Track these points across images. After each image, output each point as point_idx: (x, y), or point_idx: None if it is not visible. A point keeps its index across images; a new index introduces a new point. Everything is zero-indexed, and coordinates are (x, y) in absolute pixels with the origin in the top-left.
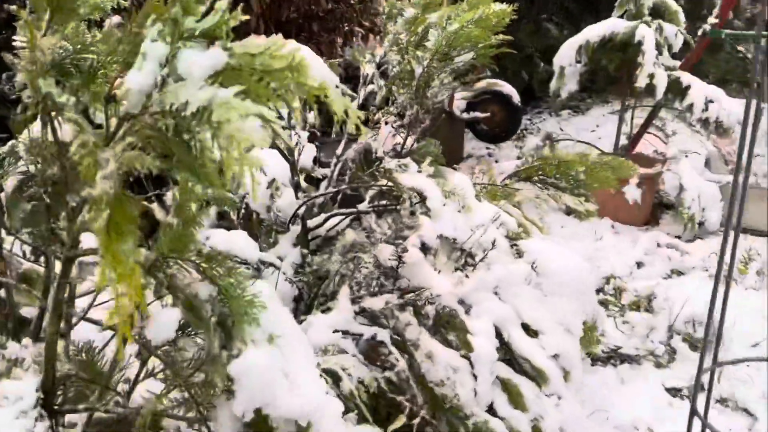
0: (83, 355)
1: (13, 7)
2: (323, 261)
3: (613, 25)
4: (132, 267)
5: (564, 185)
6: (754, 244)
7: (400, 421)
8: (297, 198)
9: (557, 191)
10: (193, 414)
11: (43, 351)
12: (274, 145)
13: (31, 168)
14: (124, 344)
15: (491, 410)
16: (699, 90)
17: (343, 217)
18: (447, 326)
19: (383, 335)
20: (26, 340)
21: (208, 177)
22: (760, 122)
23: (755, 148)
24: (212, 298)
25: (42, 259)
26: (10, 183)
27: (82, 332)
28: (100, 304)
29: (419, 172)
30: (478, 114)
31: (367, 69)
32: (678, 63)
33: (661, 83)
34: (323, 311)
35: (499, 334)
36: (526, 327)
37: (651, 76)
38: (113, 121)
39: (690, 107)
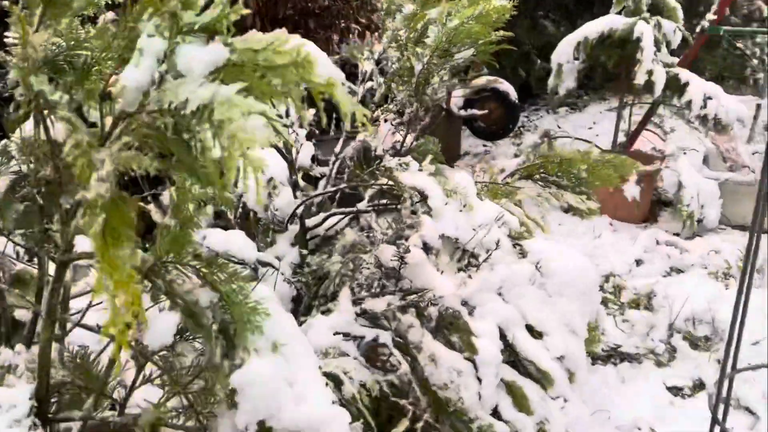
0: (78, 360)
1: (5, 2)
2: (322, 261)
3: (611, 22)
4: (129, 273)
5: (566, 183)
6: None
7: (403, 425)
8: (295, 197)
9: (559, 189)
10: (193, 423)
11: (36, 357)
12: (271, 143)
13: (24, 168)
14: (119, 351)
15: (496, 413)
16: (697, 87)
17: (342, 216)
18: (450, 328)
19: (385, 337)
20: (19, 346)
21: (208, 178)
22: None
23: (756, 146)
24: (213, 304)
25: (35, 260)
26: (2, 183)
27: (77, 336)
28: (96, 305)
29: (420, 170)
30: (475, 111)
31: (366, 66)
32: (676, 59)
33: (660, 80)
34: (323, 312)
35: (503, 336)
36: (530, 328)
37: (649, 73)
38: (108, 120)
39: (688, 104)
